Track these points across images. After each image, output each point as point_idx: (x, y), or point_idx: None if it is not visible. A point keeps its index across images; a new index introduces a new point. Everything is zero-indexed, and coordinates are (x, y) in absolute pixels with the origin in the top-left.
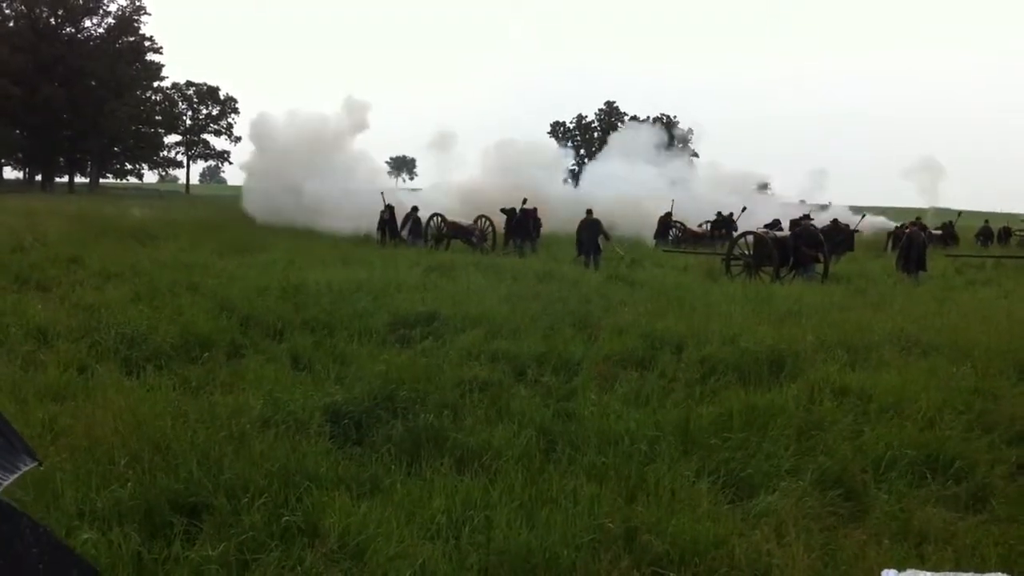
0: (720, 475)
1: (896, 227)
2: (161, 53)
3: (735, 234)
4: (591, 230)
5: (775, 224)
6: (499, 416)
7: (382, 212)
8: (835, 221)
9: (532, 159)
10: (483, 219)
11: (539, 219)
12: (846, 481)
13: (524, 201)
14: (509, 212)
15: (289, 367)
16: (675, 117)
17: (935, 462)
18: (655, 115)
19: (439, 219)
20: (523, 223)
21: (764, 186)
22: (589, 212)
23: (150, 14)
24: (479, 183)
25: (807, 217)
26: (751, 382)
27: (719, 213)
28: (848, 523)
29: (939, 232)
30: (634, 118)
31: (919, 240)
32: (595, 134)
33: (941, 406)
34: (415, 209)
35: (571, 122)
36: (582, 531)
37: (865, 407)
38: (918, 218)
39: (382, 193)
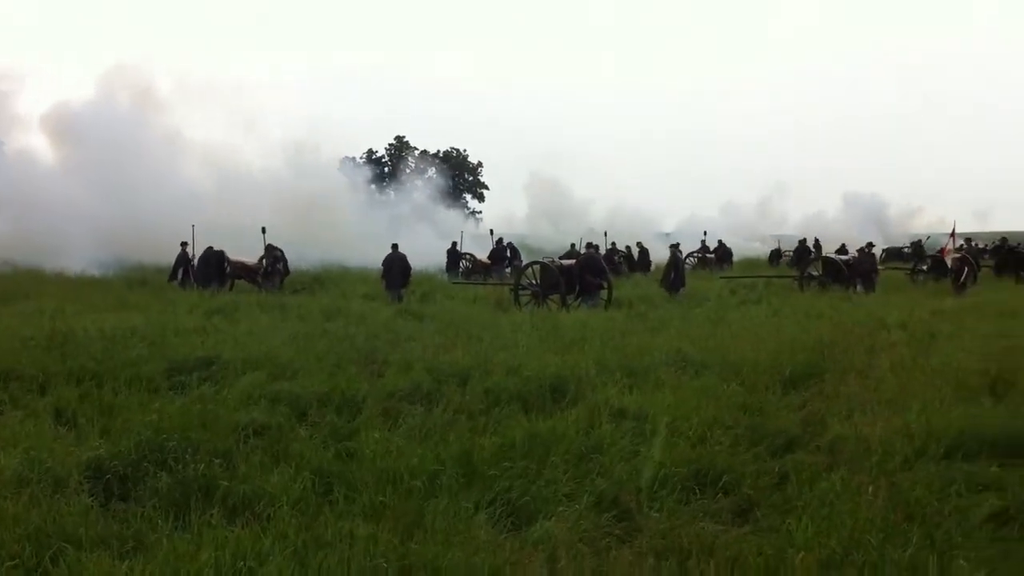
0: (500, 505)
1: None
2: None
3: (520, 264)
4: (398, 264)
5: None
6: (276, 460)
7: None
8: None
9: (323, 197)
10: (270, 255)
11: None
12: (621, 502)
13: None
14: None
15: (52, 422)
16: (464, 151)
17: (705, 477)
18: (445, 148)
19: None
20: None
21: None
22: (395, 247)
23: None
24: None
25: (591, 246)
26: (534, 409)
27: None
28: (621, 543)
29: (711, 256)
30: (424, 152)
31: (679, 260)
32: (386, 169)
33: (712, 423)
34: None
35: (361, 157)
36: (356, 573)
37: (642, 427)
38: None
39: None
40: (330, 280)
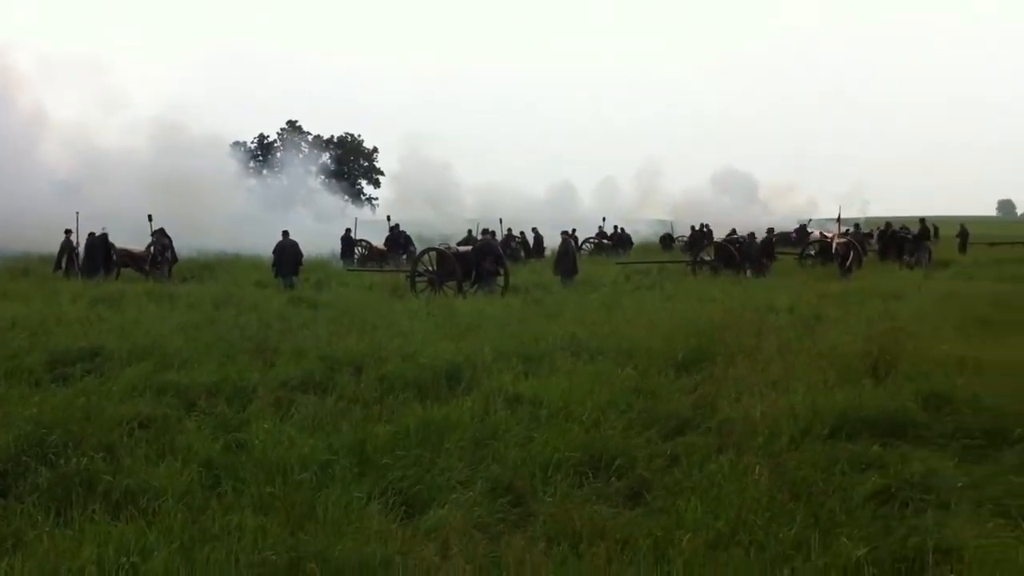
0: (393, 494)
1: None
2: None
3: (417, 251)
4: (288, 251)
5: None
6: (162, 453)
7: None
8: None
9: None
10: (158, 243)
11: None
12: (515, 488)
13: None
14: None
15: None
16: (359, 136)
17: (598, 461)
18: (339, 134)
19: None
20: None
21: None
22: (285, 234)
23: None
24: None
25: (487, 232)
26: (429, 397)
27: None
28: (515, 529)
29: (596, 241)
30: (317, 137)
31: (571, 247)
32: (278, 154)
33: (606, 407)
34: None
35: (252, 142)
36: (245, 567)
37: (537, 413)
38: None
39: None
40: (221, 268)
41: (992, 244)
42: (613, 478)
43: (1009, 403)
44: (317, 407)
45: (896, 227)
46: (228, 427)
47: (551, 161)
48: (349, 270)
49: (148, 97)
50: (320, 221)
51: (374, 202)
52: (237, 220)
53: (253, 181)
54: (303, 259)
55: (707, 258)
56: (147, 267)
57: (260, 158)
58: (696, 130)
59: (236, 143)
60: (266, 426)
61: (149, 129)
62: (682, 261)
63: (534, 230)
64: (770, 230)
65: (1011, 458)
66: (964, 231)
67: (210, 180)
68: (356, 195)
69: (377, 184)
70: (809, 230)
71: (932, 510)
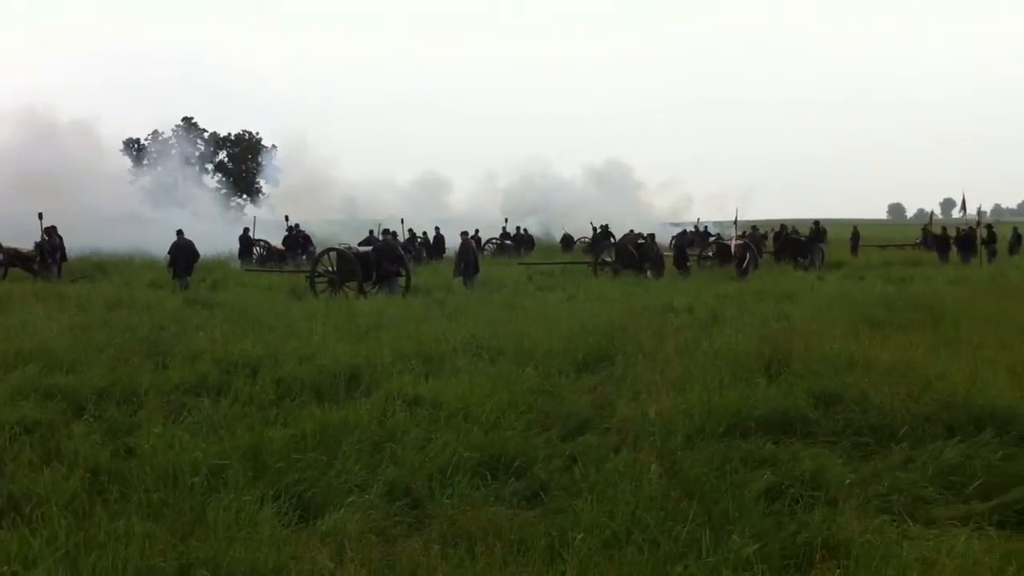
0: (289, 498)
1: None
2: None
3: (317, 251)
4: (184, 251)
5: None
6: (48, 459)
7: None
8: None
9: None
10: (48, 242)
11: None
12: (413, 490)
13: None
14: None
15: None
16: (257, 133)
17: (497, 462)
18: (237, 131)
19: None
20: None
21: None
22: (180, 233)
23: None
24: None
25: (388, 232)
26: (327, 399)
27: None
28: (411, 532)
29: (499, 242)
30: (213, 134)
31: (471, 247)
32: (172, 151)
33: (506, 408)
34: None
35: (146, 138)
36: (132, 573)
37: (436, 414)
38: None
39: None
40: (114, 268)
41: (882, 247)
42: (512, 479)
43: (895, 401)
44: (211, 411)
45: (789, 229)
46: (118, 432)
47: (426, 157)
48: (247, 270)
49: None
50: (216, 220)
51: (271, 201)
52: (129, 219)
53: (148, 179)
54: (199, 259)
55: (608, 259)
56: (35, 266)
57: (153, 155)
58: (577, 128)
59: (129, 140)
60: (157, 430)
61: (17, 124)
62: (584, 262)
63: (436, 229)
64: (682, 232)
65: (896, 455)
66: (856, 233)
67: (92, 177)
68: (255, 194)
69: (277, 183)
70: (712, 233)
71: (821, 507)
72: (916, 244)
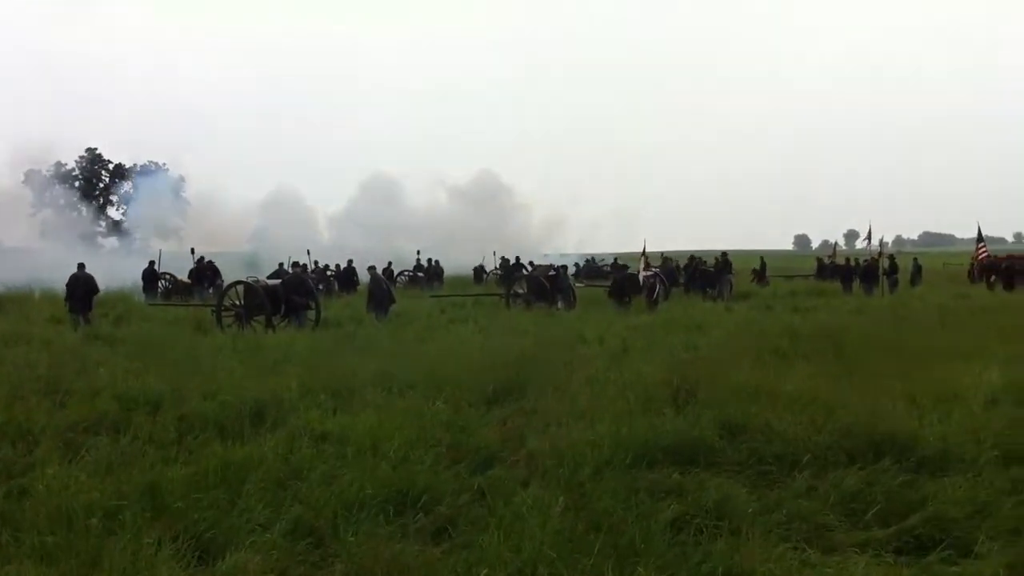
0: (188, 539)
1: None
2: None
3: (224, 285)
4: (82, 285)
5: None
6: None
7: None
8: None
9: None
10: None
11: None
12: (317, 528)
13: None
14: None
15: None
16: (164, 164)
17: (405, 498)
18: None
19: None
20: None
21: None
22: (80, 266)
23: None
24: None
25: (297, 265)
26: (231, 436)
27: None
28: (315, 571)
29: (411, 274)
30: (119, 166)
31: (381, 280)
32: (75, 183)
33: (415, 442)
34: None
35: (47, 171)
36: None
37: (343, 450)
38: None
39: None
40: (11, 302)
41: (789, 277)
42: (419, 514)
43: (798, 430)
44: (109, 449)
45: (698, 260)
46: (11, 472)
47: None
48: (152, 305)
49: None
50: (120, 253)
51: (181, 233)
52: (27, 252)
53: (49, 211)
54: (99, 293)
55: (520, 291)
56: None
57: (56, 187)
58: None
59: (31, 171)
60: (51, 471)
61: None
62: (496, 294)
63: (349, 262)
64: (622, 266)
65: (799, 483)
66: (763, 264)
67: None
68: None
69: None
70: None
71: (725, 536)
72: (810, 276)
